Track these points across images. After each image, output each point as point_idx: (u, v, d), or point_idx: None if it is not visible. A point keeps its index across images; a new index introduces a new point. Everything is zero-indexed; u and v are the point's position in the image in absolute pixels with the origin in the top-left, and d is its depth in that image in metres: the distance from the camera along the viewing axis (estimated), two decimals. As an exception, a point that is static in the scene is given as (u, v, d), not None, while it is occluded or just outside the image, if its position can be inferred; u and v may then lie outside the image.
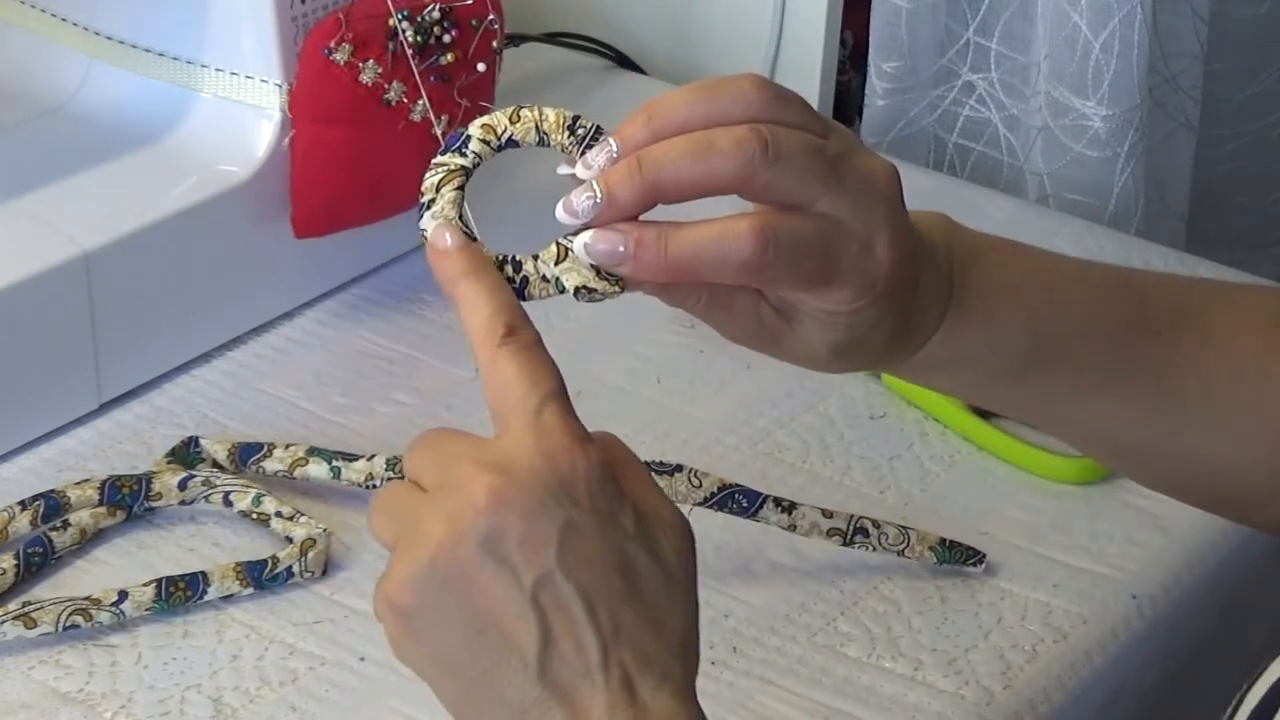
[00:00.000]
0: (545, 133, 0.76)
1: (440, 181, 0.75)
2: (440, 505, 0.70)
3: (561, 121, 0.76)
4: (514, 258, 0.76)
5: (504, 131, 0.76)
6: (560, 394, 0.71)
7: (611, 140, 0.74)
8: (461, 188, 0.76)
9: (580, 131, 0.76)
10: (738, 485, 1.00)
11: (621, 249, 0.74)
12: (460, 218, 0.76)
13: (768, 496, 1.00)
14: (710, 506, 0.99)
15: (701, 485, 0.99)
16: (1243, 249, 1.50)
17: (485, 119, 0.76)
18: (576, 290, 0.75)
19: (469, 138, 0.76)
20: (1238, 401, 0.84)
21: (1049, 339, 0.82)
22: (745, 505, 0.99)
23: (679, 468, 0.99)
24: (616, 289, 0.75)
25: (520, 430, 0.71)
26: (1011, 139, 1.45)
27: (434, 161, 0.76)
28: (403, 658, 0.72)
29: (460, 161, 0.76)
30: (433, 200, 0.76)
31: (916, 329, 0.80)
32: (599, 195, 0.73)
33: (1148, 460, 0.87)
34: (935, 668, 0.96)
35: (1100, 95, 1.36)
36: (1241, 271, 1.29)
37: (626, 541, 0.70)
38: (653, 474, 0.96)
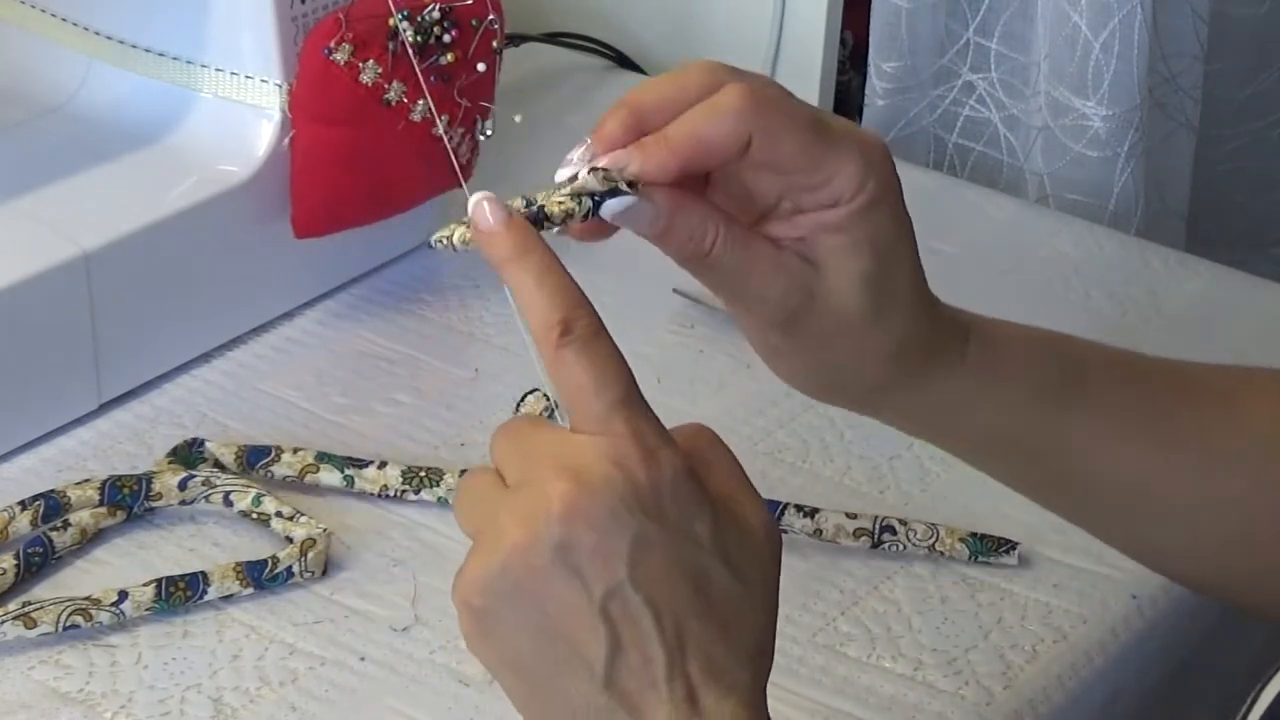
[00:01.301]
0: None
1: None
2: (517, 507, 0.69)
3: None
4: (526, 197, 0.74)
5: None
6: (631, 394, 0.70)
7: (588, 137, 0.75)
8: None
9: None
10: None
11: (625, 155, 0.74)
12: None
13: (788, 504, 1.00)
14: None
15: None
16: (1243, 249, 1.50)
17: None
18: (594, 195, 0.74)
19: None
20: (1256, 471, 0.85)
21: (1077, 372, 0.83)
22: None
23: None
24: (630, 193, 0.74)
25: (594, 434, 0.70)
26: (1011, 139, 1.45)
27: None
28: (474, 652, 0.72)
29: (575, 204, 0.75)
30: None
31: (941, 341, 0.81)
32: (588, 142, 0.75)
33: (1174, 521, 0.87)
34: (935, 668, 0.96)
35: (1100, 95, 1.36)
36: (1241, 271, 1.29)
37: (699, 553, 0.70)
38: None
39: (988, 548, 1.02)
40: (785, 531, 0.99)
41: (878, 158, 0.77)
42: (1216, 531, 0.86)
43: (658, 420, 0.71)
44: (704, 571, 0.69)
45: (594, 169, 0.74)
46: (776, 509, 1.00)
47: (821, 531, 1.00)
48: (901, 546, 1.01)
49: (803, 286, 0.78)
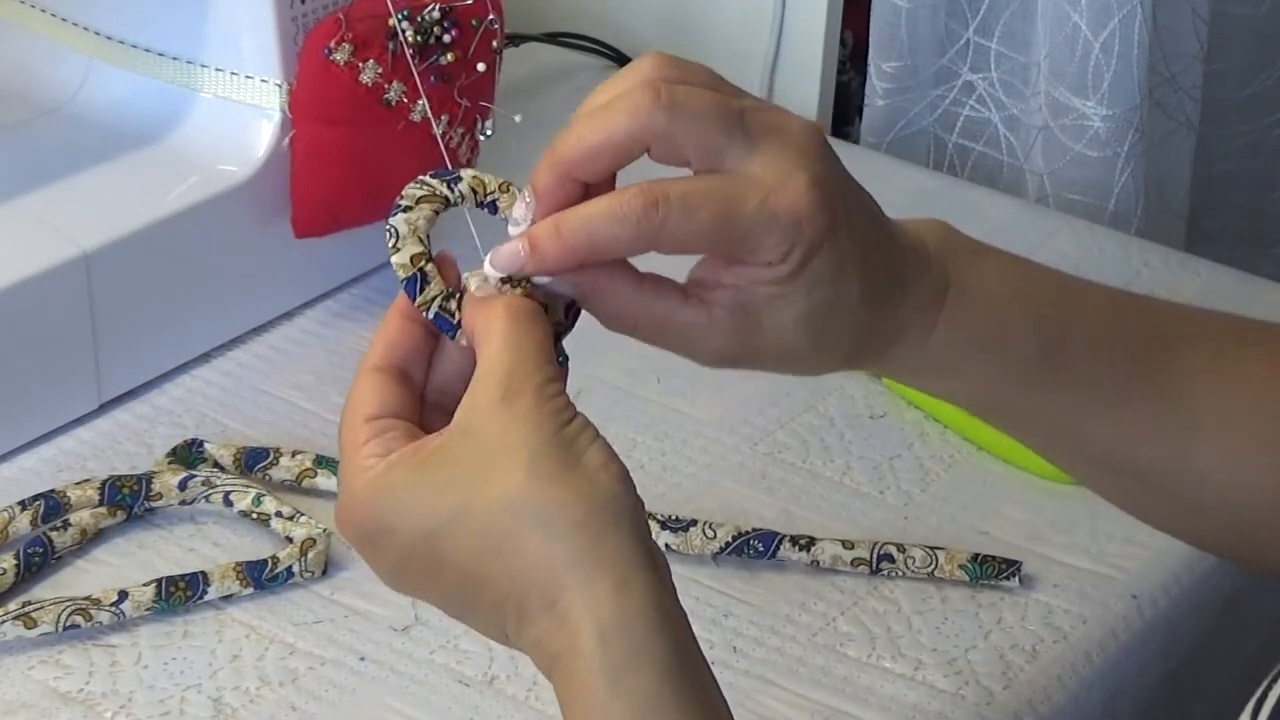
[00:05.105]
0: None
1: (422, 197, 0.76)
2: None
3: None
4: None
5: (490, 192, 0.76)
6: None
7: (525, 191, 0.75)
8: (438, 213, 0.76)
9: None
10: (753, 530, 1.00)
11: (520, 251, 0.74)
12: (424, 239, 0.76)
13: (784, 536, 1.00)
14: (729, 554, 1.00)
15: (716, 537, 1.00)
16: (1243, 249, 1.50)
17: (480, 173, 0.76)
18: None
19: (460, 178, 0.76)
20: (1252, 428, 0.83)
21: (1057, 343, 0.80)
22: (762, 549, 1.00)
23: (692, 523, 1.00)
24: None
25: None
26: (1011, 139, 1.45)
27: (420, 178, 0.76)
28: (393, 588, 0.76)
29: (445, 192, 0.76)
30: (410, 207, 0.75)
31: (906, 316, 0.78)
32: (528, 198, 0.75)
33: (1155, 485, 0.85)
34: (935, 668, 0.96)
35: (1100, 95, 1.36)
36: (1241, 271, 1.29)
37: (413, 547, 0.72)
38: (665, 530, 1.00)
39: (988, 571, 1.00)
40: (781, 562, 1.00)
41: (804, 209, 0.74)
42: (1206, 497, 0.85)
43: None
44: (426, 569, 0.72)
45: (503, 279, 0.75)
46: (772, 542, 1.00)
47: (818, 563, 1.00)
48: (900, 575, 1.00)
49: (739, 339, 0.77)
